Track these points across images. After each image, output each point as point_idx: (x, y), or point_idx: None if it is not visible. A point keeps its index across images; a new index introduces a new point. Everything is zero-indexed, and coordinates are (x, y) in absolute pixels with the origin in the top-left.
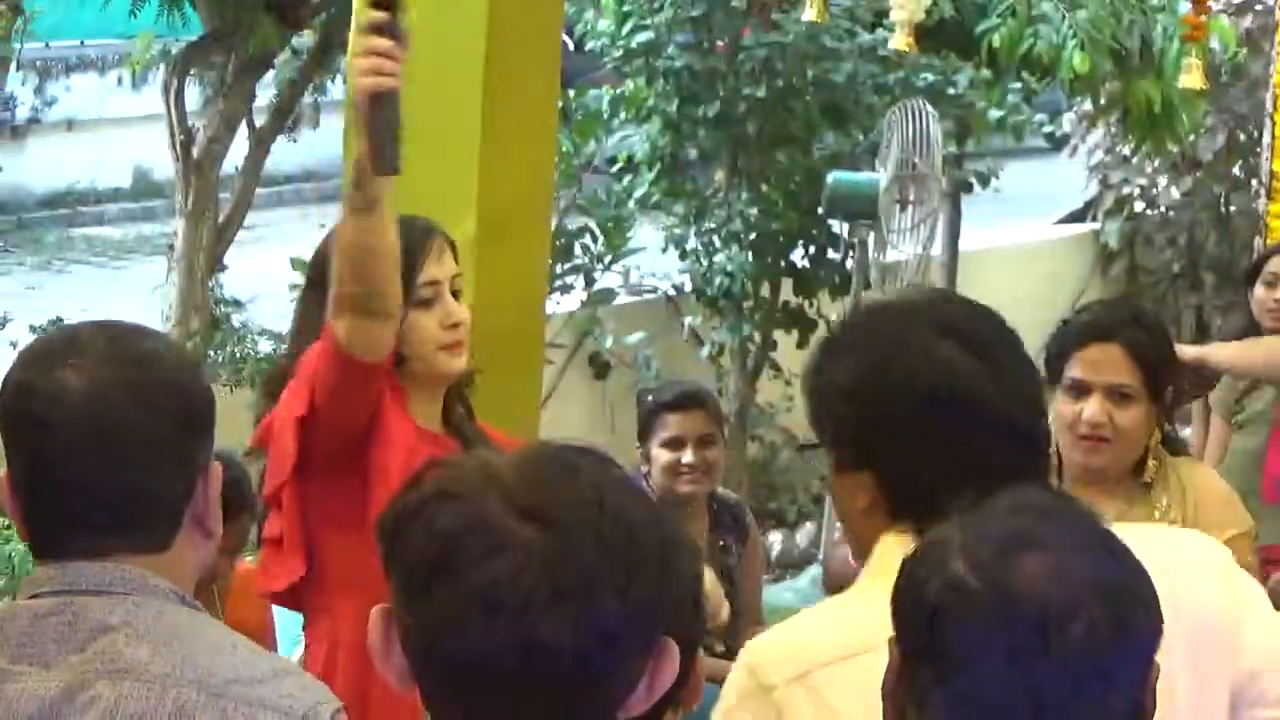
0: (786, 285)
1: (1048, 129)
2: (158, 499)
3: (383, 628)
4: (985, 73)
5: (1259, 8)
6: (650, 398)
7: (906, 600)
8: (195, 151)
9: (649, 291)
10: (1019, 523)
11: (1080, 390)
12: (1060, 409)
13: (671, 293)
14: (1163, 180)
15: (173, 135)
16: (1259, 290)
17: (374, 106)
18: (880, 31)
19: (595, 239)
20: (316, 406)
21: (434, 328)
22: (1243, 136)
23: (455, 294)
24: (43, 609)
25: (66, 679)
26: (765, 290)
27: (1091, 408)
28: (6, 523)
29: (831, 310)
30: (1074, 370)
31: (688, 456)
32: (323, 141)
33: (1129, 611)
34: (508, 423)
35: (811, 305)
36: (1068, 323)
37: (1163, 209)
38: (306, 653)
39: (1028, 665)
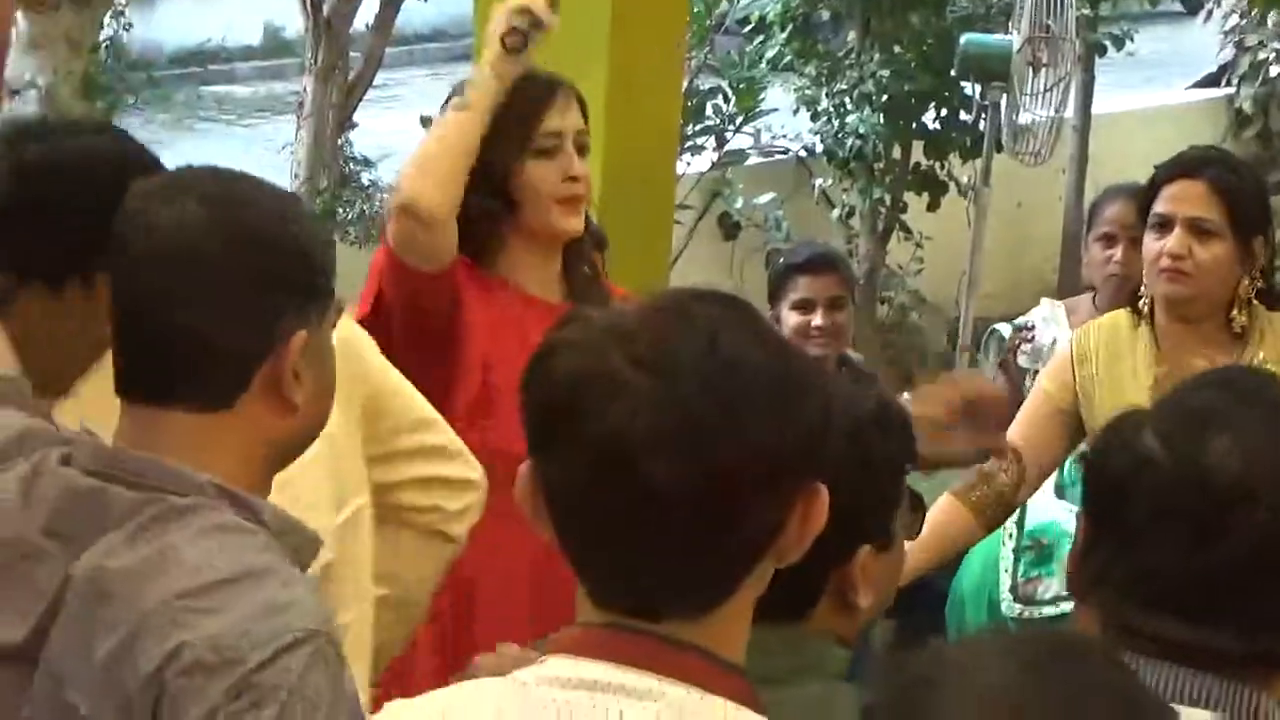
0: (917, 148)
1: None
2: (225, 351)
3: (528, 479)
4: None
5: None
6: (781, 259)
7: (1096, 470)
8: (325, 9)
9: (780, 153)
10: (1216, 402)
11: (1164, 224)
12: (1146, 246)
13: (802, 154)
14: None
15: None
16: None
17: None
18: None
19: (726, 100)
20: (386, 306)
21: (553, 179)
22: None
23: (581, 151)
24: (81, 487)
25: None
26: (896, 152)
27: (1172, 240)
28: None
29: (963, 173)
30: (1159, 205)
31: (818, 319)
32: (453, 1)
33: None
34: (636, 284)
35: (943, 168)
36: (1159, 165)
37: None
38: None
39: (1206, 545)
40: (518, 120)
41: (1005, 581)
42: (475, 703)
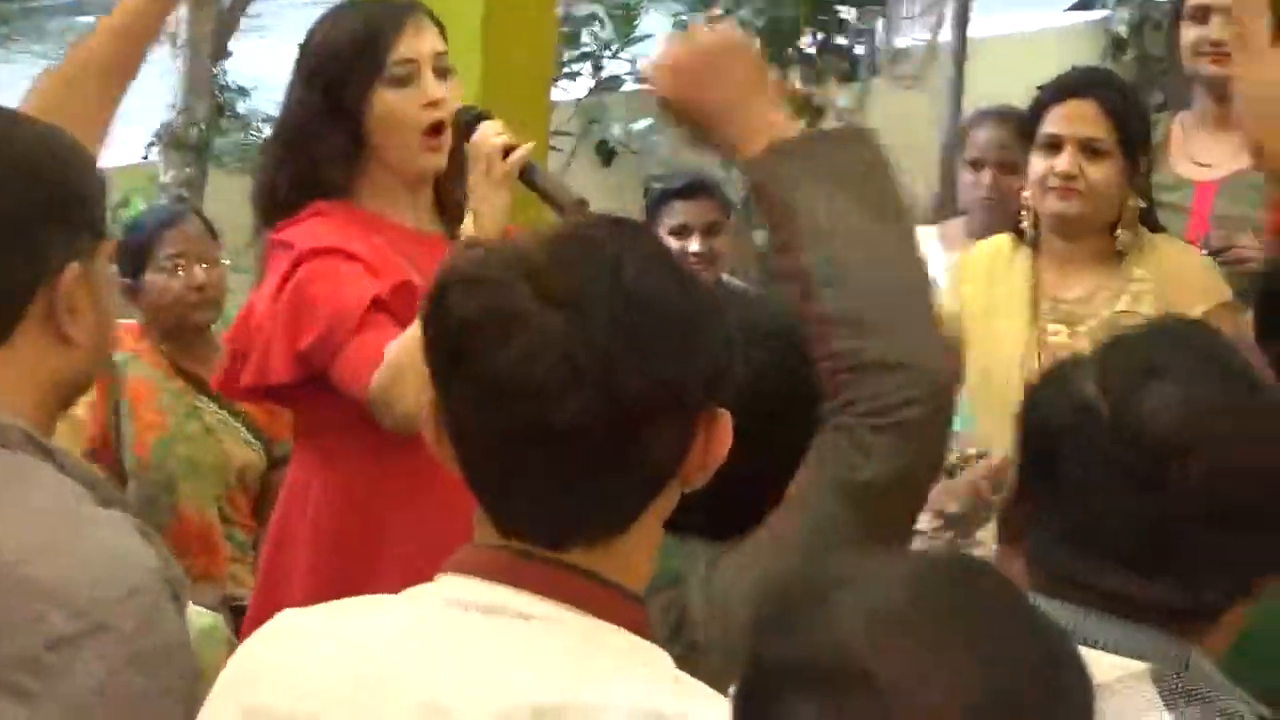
0: (795, 73)
1: None
2: None
3: (431, 415)
4: None
5: None
6: (657, 186)
7: (1032, 417)
8: None
9: None
10: (1156, 351)
11: (1053, 145)
12: (1035, 166)
13: None
14: None
15: None
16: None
17: (526, 180)
18: None
19: (603, 26)
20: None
21: (412, 108)
22: None
23: (442, 75)
24: None
25: None
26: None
27: (1063, 160)
28: None
29: (840, 96)
30: (1048, 126)
31: (694, 244)
32: None
33: (1262, 450)
34: (514, 210)
35: (819, 88)
36: (1043, 86)
37: None
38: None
39: (1143, 496)
40: (367, 51)
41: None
42: (370, 615)
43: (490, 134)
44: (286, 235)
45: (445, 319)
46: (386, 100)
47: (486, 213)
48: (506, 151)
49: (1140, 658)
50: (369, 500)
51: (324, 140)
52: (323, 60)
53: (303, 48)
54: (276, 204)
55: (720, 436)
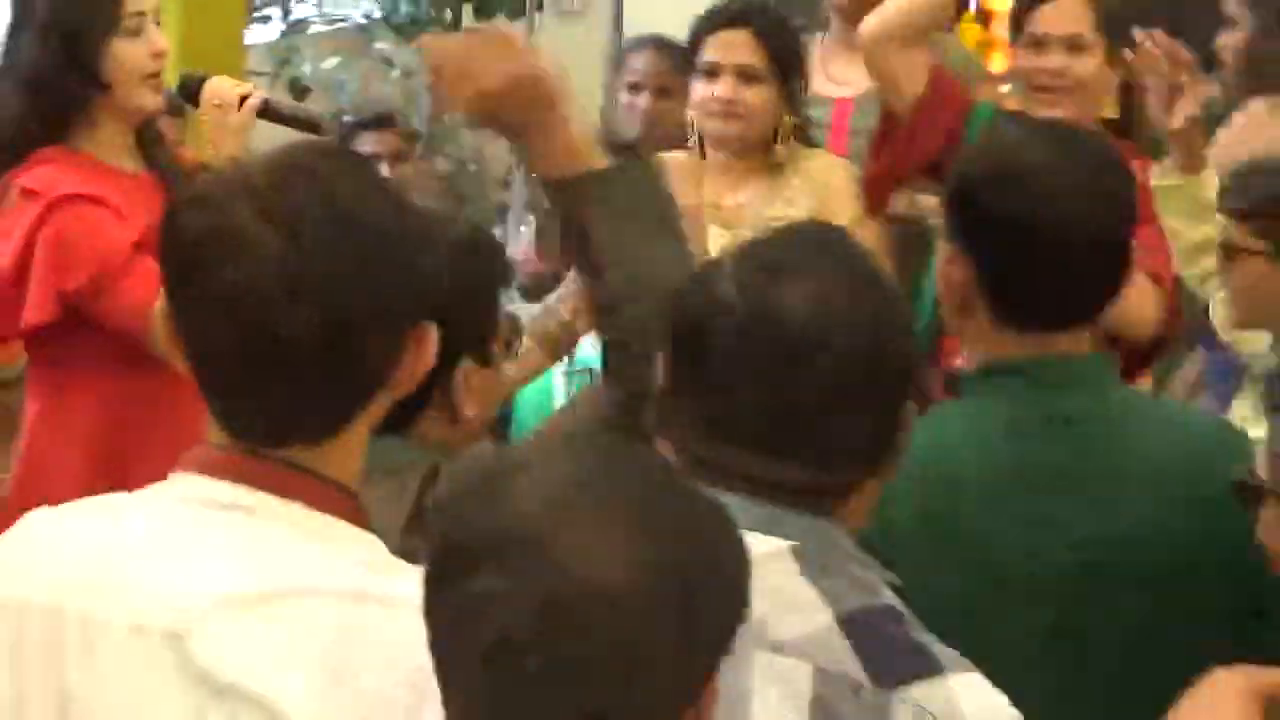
0: (468, 11)
1: None
2: None
3: (165, 325)
4: None
5: None
6: (347, 119)
7: (676, 313)
8: None
9: (341, 20)
10: (790, 252)
11: (712, 72)
12: (697, 90)
13: (362, 21)
14: None
15: None
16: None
17: (269, 116)
18: None
19: None
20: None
21: (143, 57)
22: None
23: (157, 24)
24: None
25: None
26: (448, 15)
27: (722, 86)
28: None
29: (511, 29)
30: (707, 54)
31: (383, 171)
32: None
33: (884, 341)
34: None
35: (488, 22)
36: (700, 16)
37: None
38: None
39: (777, 386)
40: (103, 5)
41: (559, 404)
42: (109, 513)
43: (226, 87)
44: (26, 182)
45: (176, 236)
46: (122, 50)
47: (230, 156)
48: (243, 100)
49: (781, 536)
50: (124, 420)
51: (59, 89)
52: (58, 13)
53: (27, 2)
54: (16, 155)
55: (427, 349)
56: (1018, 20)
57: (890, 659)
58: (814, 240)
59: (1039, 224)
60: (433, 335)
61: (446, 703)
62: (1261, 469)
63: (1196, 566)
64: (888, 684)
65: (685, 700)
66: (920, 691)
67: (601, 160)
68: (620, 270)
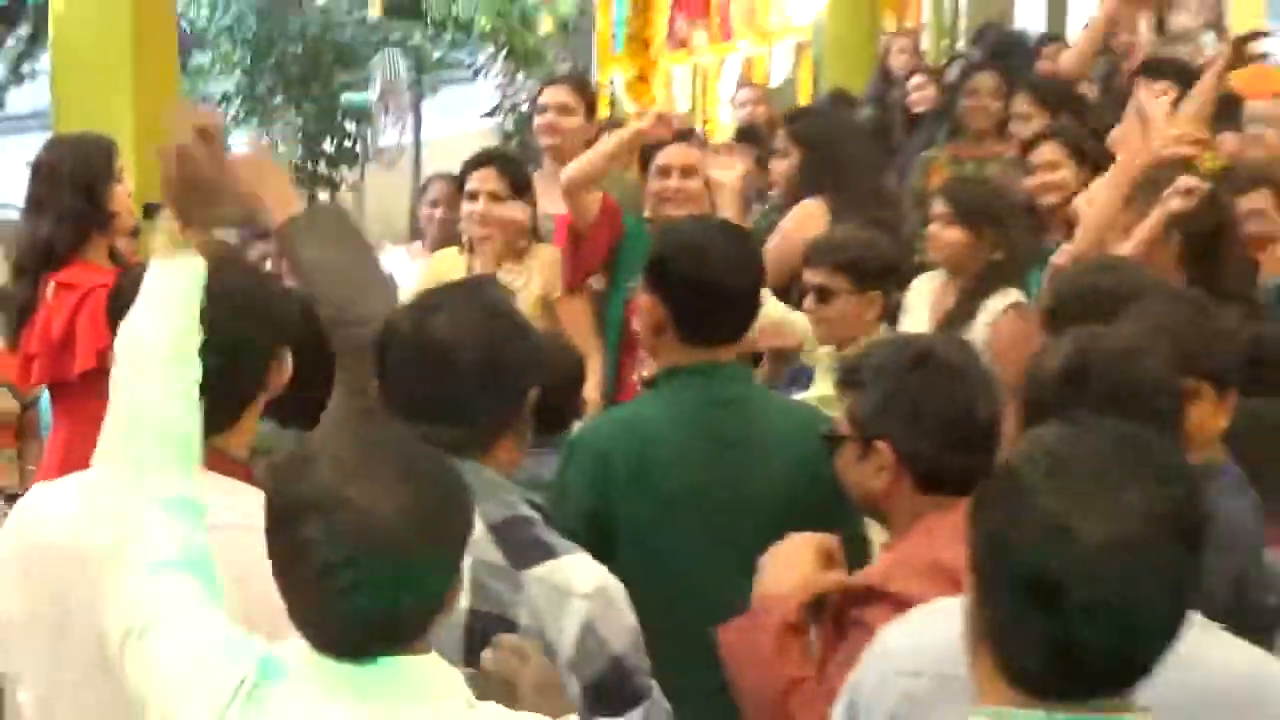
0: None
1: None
2: None
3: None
4: (430, 30)
5: None
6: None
7: (383, 335)
8: None
9: None
10: (442, 297)
11: (474, 195)
12: (463, 208)
13: None
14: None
15: None
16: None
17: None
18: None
19: None
20: None
21: (126, 195)
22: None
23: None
24: None
25: None
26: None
27: (481, 205)
28: None
29: (348, 174)
30: (469, 184)
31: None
32: None
33: (500, 350)
34: None
35: (337, 172)
36: (465, 161)
37: None
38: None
39: (432, 380)
40: (108, 160)
41: None
42: (52, 488)
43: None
44: (61, 279)
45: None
46: (118, 191)
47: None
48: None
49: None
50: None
51: (83, 218)
52: (78, 170)
53: (51, 162)
54: (51, 258)
55: (285, 367)
56: (645, 159)
57: (523, 550)
58: (461, 291)
59: (705, 282)
60: (288, 356)
61: (291, 613)
62: (840, 426)
63: (808, 498)
64: (520, 566)
65: (443, 598)
66: (543, 569)
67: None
68: (330, 304)
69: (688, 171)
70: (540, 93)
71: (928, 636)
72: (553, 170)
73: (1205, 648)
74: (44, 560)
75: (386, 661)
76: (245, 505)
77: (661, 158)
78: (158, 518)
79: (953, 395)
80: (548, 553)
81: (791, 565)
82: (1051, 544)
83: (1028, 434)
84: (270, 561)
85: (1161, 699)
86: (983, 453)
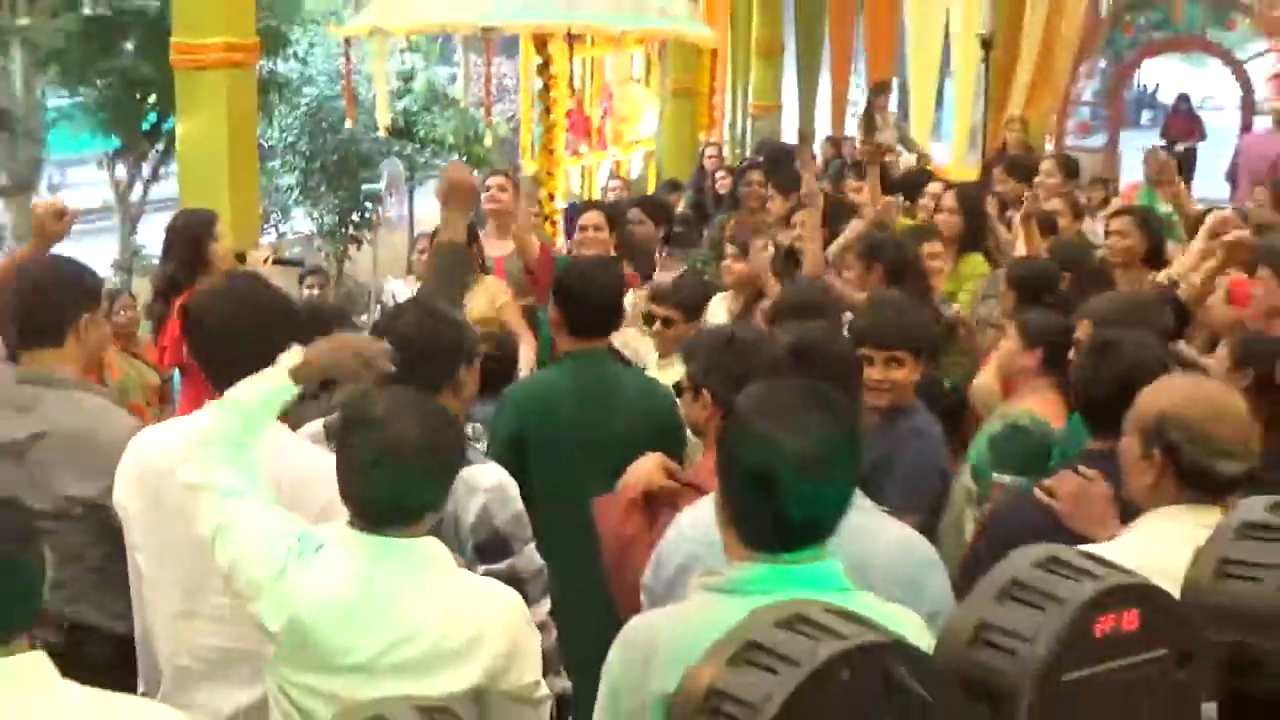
0: None
1: None
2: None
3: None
4: (418, 144)
5: None
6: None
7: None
8: None
9: None
10: (409, 308)
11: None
12: None
13: None
14: None
15: None
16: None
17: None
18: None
19: None
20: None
21: (222, 248)
22: None
23: None
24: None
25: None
26: (343, 229)
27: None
28: None
29: (367, 235)
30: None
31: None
32: None
33: (434, 335)
34: None
35: (360, 233)
36: None
37: None
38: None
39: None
40: (209, 225)
41: None
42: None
43: (260, 255)
44: (182, 300)
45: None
46: (217, 247)
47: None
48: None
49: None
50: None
51: (194, 266)
52: (191, 231)
53: (175, 227)
54: (175, 287)
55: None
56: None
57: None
58: (418, 305)
59: (582, 298)
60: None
61: (341, 494)
62: (684, 381)
63: (649, 432)
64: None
65: (438, 498)
66: (462, 472)
67: None
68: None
69: (597, 228)
70: (485, 180)
71: (707, 515)
72: (492, 228)
73: (868, 522)
74: (150, 473)
75: (395, 537)
76: (289, 443)
77: (581, 220)
78: (224, 454)
79: (744, 360)
80: (466, 461)
81: (641, 470)
82: (765, 454)
83: (748, 387)
84: (336, 459)
85: (855, 563)
86: None
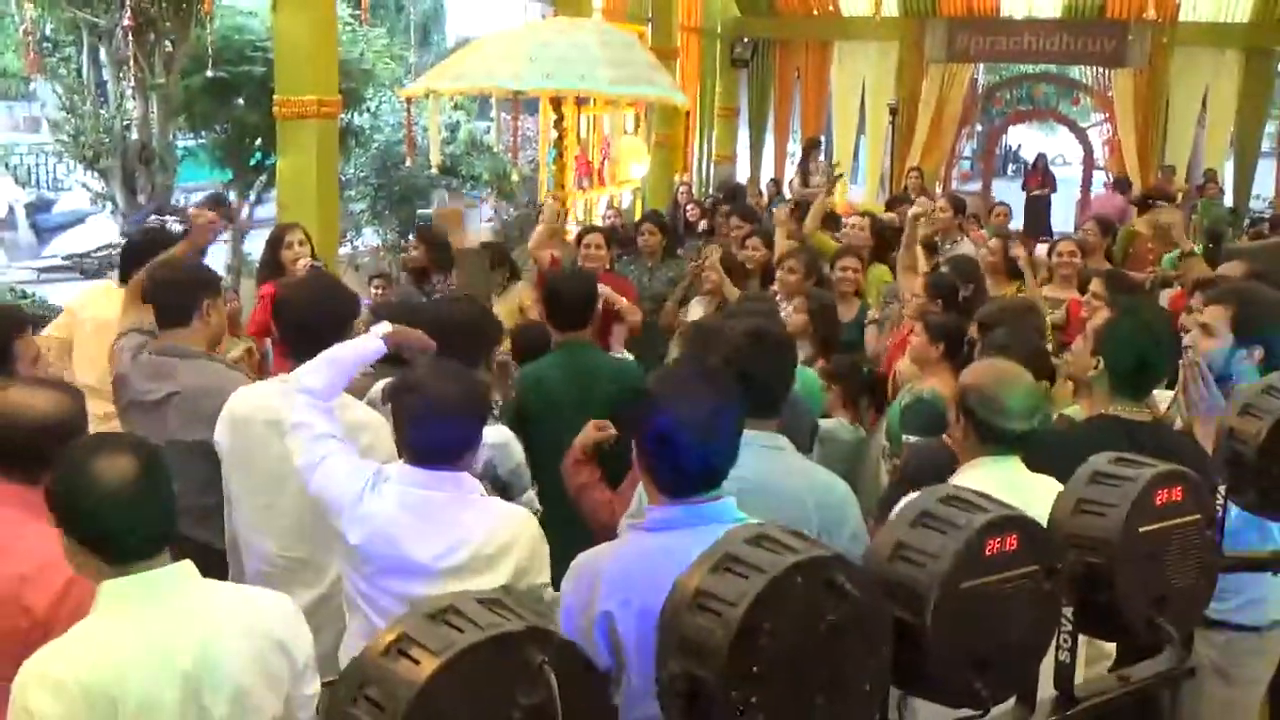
0: None
1: None
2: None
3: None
4: (459, 180)
5: None
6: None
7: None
8: None
9: None
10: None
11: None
12: None
13: None
14: None
15: None
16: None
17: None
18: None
19: None
20: None
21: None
22: None
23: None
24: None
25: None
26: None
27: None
28: None
29: None
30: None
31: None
32: None
33: (487, 327)
34: None
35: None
36: None
37: None
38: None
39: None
40: (281, 237)
41: None
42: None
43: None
44: (264, 290)
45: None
46: (289, 251)
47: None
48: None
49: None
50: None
51: (274, 267)
52: (273, 240)
53: (268, 239)
54: (261, 281)
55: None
56: (579, 239)
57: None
58: (456, 302)
59: (557, 297)
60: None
61: (397, 441)
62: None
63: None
64: None
65: (472, 443)
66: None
67: None
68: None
69: (597, 246)
70: (584, 237)
71: None
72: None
73: (802, 465)
74: (240, 420)
75: (443, 472)
76: (349, 401)
77: (585, 239)
78: (319, 403)
79: (710, 343)
80: None
81: (585, 434)
82: (667, 416)
83: (661, 369)
84: (393, 415)
85: (746, 490)
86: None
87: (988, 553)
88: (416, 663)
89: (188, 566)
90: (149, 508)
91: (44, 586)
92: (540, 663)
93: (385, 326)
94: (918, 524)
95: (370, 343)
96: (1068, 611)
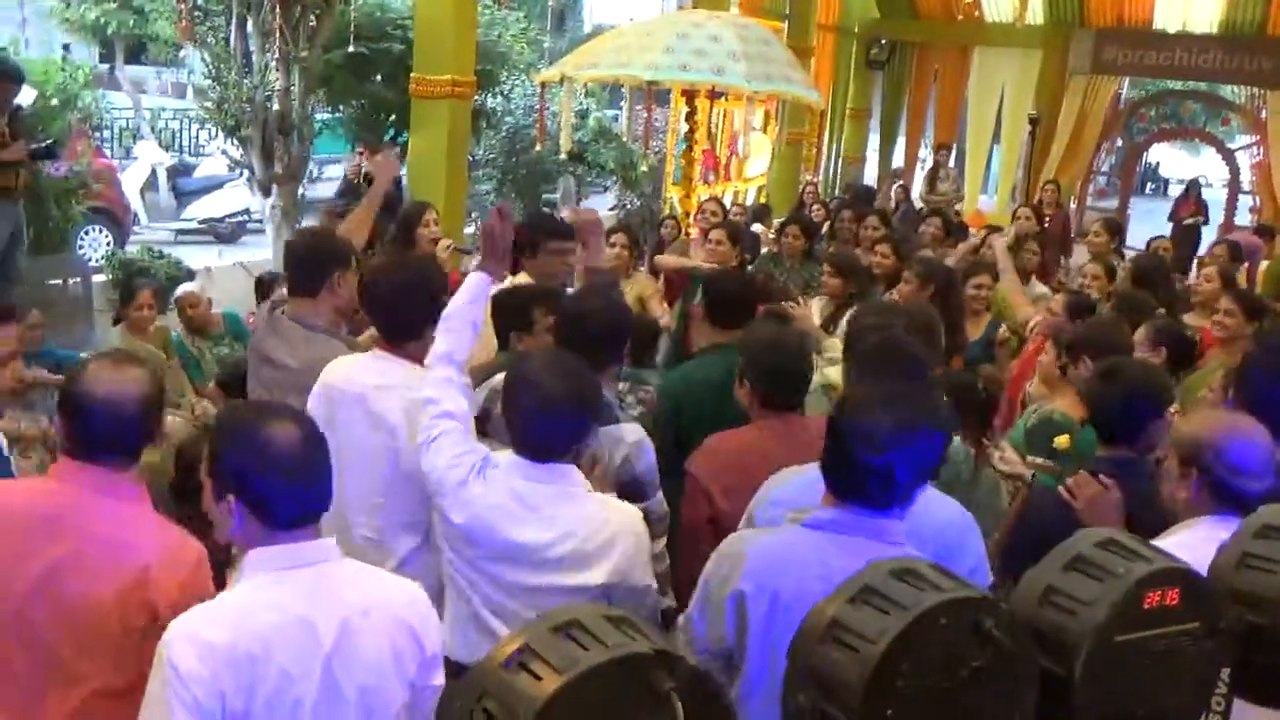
0: None
1: None
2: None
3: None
4: (585, 166)
5: None
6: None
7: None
8: None
9: None
10: (583, 295)
11: None
12: None
13: None
14: None
15: None
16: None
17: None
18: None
19: None
20: None
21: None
22: None
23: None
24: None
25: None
26: None
27: None
28: None
29: None
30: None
31: None
32: None
33: (624, 326)
34: None
35: None
36: None
37: None
38: None
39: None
40: (418, 214)
41: None
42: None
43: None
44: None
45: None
46: (422, 231)
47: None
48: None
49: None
50: None
51: (404, 238)
52: (408, 213)
53: (402, 214)
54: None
55: (349, 282)
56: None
57: (601, 418)
58: (594, 290)
59: (727, 299)
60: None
61: (510, 432)
62: (739, 372)
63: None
64: (600, 424)
65: (582, 436)
66: (608, 428)
67: None
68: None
69: (719, 242)
70: (710, 234)
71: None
72: (699, 253)
73: (934, 499)
74: (334, 390)
75: (552, 465)
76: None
77: (711, 235)
78: (453, 377)
79: (779, 358)
80: (614, 420)
81: None
82: (850, 431)
83: (861, 385)
84: (503, 407)
85: (911, 528)
86: (798, 391)
87: (1146, 605)
88: (538, 678)
89: (330, 544)
90: (317, 478)
91: (165, 580)
92: (669, 689)
93: (476, 271)
94: (1071, 568)
95: (474, 283)
96: (1224, 673)
